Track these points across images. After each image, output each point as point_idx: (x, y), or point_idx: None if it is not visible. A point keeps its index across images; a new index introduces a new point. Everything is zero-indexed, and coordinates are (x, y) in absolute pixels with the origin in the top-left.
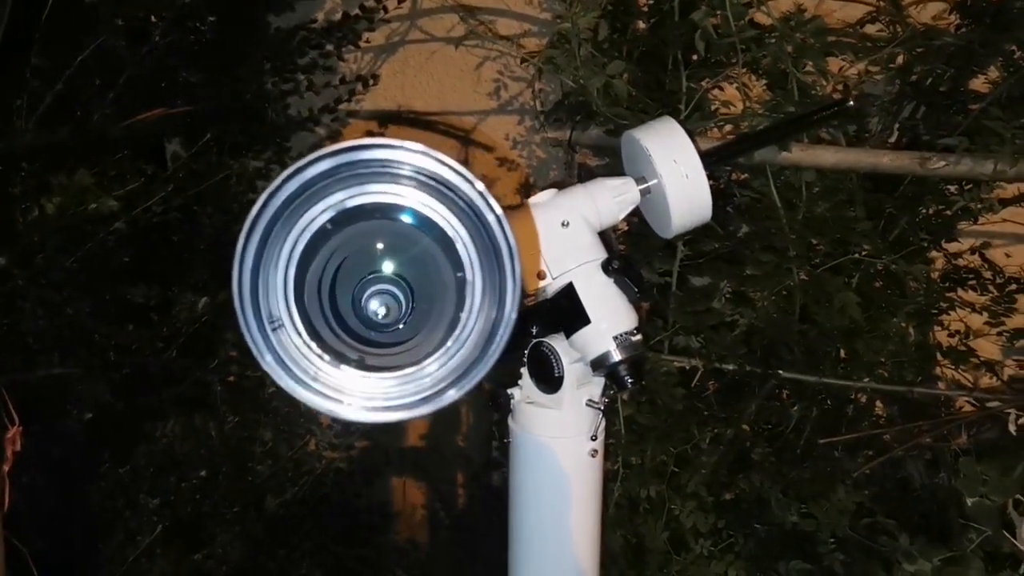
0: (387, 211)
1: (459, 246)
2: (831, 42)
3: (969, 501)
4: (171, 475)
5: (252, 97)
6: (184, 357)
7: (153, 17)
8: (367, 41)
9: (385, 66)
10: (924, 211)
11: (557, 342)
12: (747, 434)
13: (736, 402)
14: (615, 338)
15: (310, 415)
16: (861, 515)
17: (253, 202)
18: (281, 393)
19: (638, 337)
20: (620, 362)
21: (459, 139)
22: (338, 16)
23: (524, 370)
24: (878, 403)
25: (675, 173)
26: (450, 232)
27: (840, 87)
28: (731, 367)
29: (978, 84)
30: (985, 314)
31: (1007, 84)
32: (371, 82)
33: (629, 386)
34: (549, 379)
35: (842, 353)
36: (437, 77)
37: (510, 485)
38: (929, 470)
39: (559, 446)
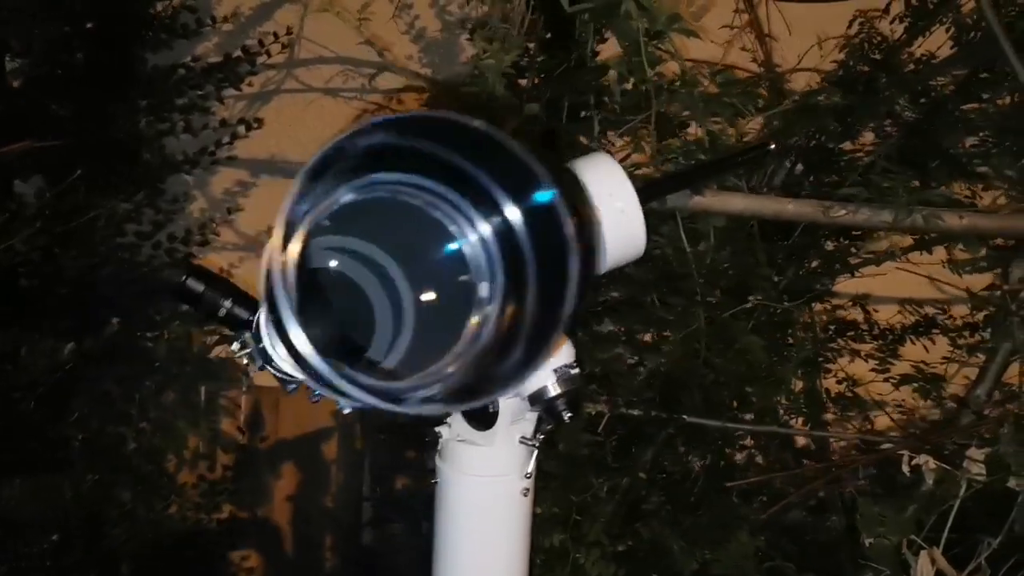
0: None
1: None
2: (737, 93)
3: (868, 541)
4: (15, 541)
5: (125, 136)
6: (42, 409)
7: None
8: (249, 84)
9: (259, 115)
10: (808, 264)
11: None
12: (643, 482)
13: (632, 450)
14: (555, 371)
15: (172, 474)
16: (760, 560)
17: (122, 246)
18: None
19: (576, 370)
20: (559, 396)
21: None
22: (218, 58)
23: None
24: (767, 449)
25: (611, 207)
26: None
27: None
28: (637, 412)
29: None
30: (871, 361)
31: (887, 145)
32: (255, 125)
33: (567, 420)
34: (483, 416)
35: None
36: (313, 128)
37: (436, 528)
38: (817, 514)
39: (492, 485)
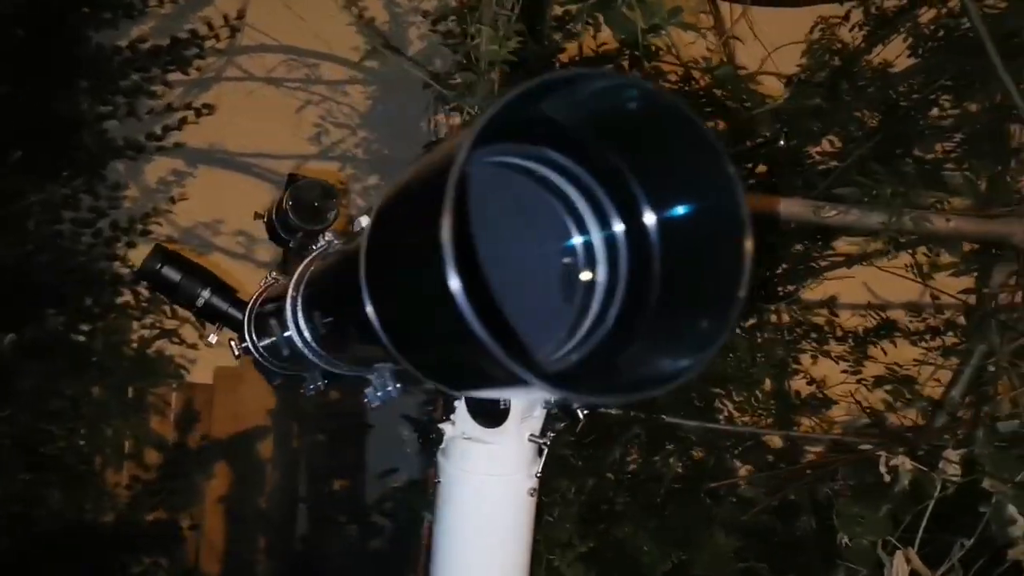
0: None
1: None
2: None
3: (844, 541)
4: None
5: (65, 118)
6: None
7: None
8: (197, 69)
9: (197, 102)
10: (784, 265)
11: None
12: (610, 483)
13: (597, 450)
14: None
15: (103, 474)
16: (735, 561)
17: (59, 234)
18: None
19: None
20: None
21: (275, 183)
22: (164, 41)
23: (459, 403)
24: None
25: None
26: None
27: None
28: (614, 412)
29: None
30: (842, 363)
31: (856, 149)
32: (205, 112)
33: (582, 418)
34: (492, 413)
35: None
36: (254, 117)
37: (438, 527)
38: (786, 515)
39: (499, 484)
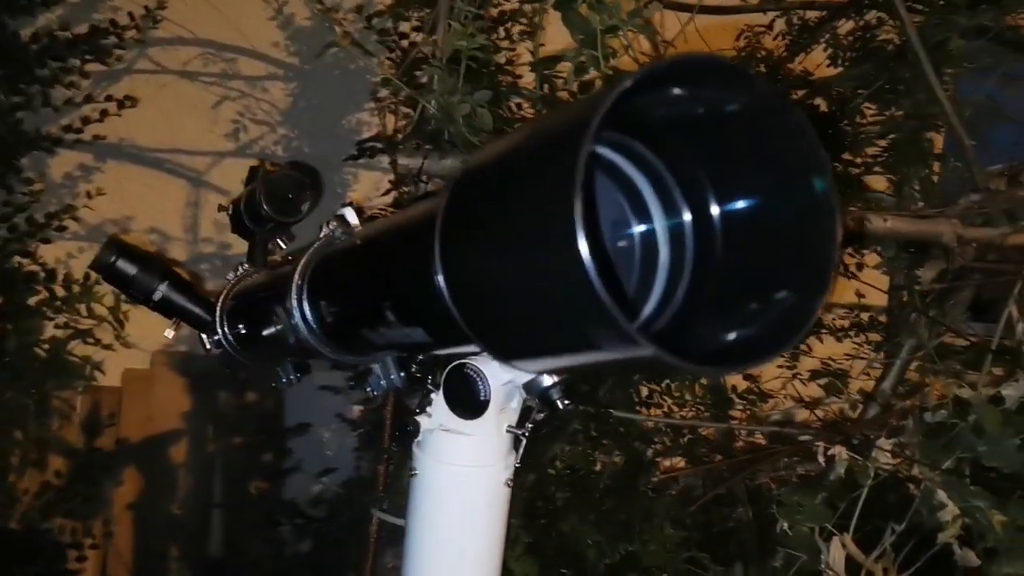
0: None
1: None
2: None
3: (785, 528)
4: None
5: None
6: None
7: None
8: (118, 59)
9: (107, 95)
10: None
11: (484, 363)
12: (551, 478)
13: (537, 445)
14: None
15: (9, 481)
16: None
17: None
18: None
19: None
20: (555, 384)
21: (189, 180)
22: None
23: (436, 395)
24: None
25: None
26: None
27: None
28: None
29: None
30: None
31: None
32: (127, 104)
33: (562, 408)
34: (472, 404)
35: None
36: (168, 112)
37: (412, 519)
38: (723, 506)
39: (476, 476)
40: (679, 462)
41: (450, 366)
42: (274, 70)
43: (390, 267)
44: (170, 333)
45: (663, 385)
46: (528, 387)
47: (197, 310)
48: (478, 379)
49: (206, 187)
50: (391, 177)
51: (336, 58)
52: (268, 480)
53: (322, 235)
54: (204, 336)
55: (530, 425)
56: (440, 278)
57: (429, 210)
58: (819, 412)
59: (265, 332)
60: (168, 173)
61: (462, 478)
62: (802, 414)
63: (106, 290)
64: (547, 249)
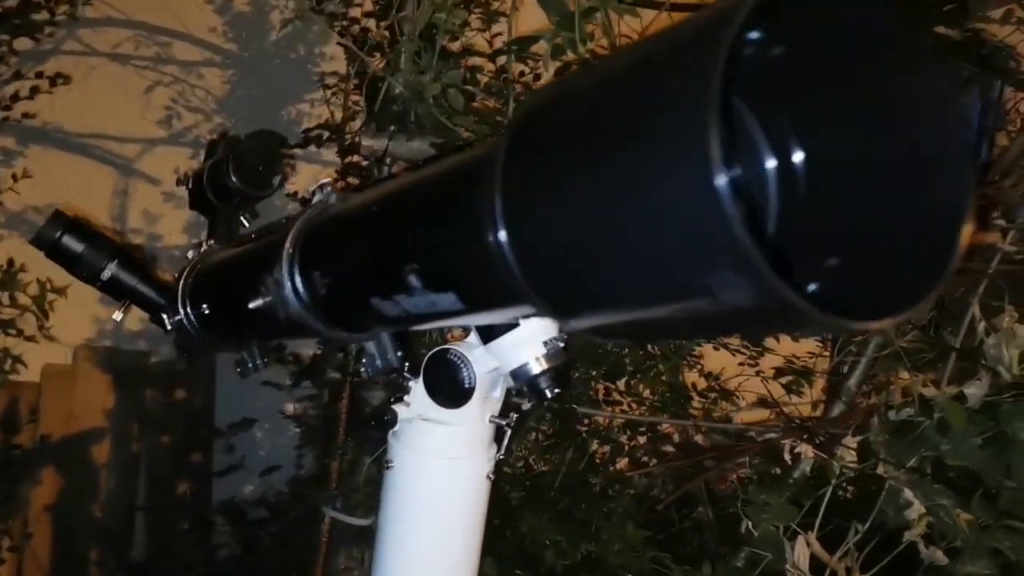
0: None
1: None
2: None
3: (750, 526)
4: None
5: None
6: None
7: None
8: (51, 35)
9: (32, 74)
10: None
11: (469, 350)
12: (506, 476)
13: None
14: (545, 343)
15: None
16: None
17: None
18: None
19: (563, 344)
20: (543, 372)
21: (118, 167)
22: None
23: (415, 383)
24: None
25: None
26: None
27: None
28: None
29: None
30: (739, 356)
31: None
32: (60, 82)
33: (550, 397)
34: (455, 392)
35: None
36: (96, 96)
37: (386, 512)
38: (684, 506)
39: (457, 467)
40: (637, 460)
41: (430, 352)
42: (210, 56)
43: (420, 228)
44: (119, 316)
45: (622, 383)
46: (515, 375)
47: (149, 291)
48: (463, 365)
49: (136, 176)
50: (337, 168)
51: (276, 46)
52: (198, 480)
53: (315, 201)
54: (165, 317)
55: (514, 415)
56: (502, 234)
57: (472, 160)
58: (784, 410)
59: (251, 305)
60: (96, 160)
61: (442, 471)
62: (763, 414)
63: (31, 278)
64: (673, 179)
